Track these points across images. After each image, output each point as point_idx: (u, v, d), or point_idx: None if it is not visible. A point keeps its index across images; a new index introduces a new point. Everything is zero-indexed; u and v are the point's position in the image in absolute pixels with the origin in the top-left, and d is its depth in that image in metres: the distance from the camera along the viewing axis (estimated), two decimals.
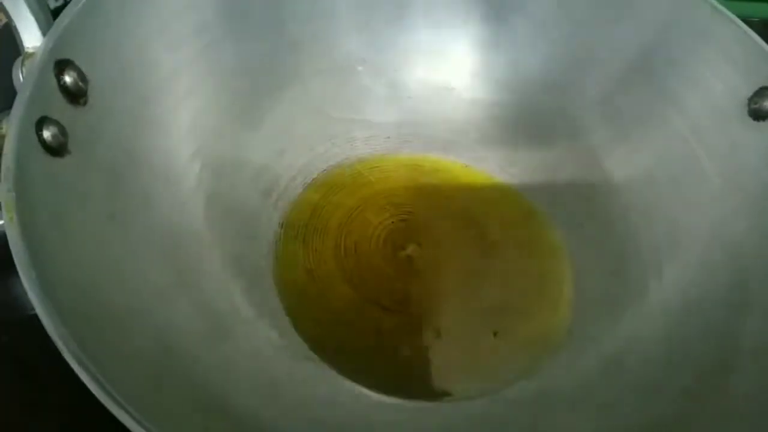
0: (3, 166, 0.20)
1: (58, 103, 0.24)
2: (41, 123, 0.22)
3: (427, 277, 0.32)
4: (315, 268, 0.31)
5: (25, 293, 0.19)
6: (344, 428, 0.26)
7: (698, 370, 0.26)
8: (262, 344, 0.27)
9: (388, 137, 0.36)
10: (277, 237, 0.32)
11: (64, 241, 0.22)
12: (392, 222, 0.33)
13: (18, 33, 0.24)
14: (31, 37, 0.24)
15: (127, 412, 0.17)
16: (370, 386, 0.27)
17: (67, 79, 0.24)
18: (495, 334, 0.30)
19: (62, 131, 0.23)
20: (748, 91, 0.29)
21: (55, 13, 0.26)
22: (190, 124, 0.30)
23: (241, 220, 0.31)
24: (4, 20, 0.25)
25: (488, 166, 0.36)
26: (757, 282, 0.27)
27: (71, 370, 0.18)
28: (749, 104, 0.29)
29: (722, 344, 0.26)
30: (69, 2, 0.25)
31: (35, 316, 0.18)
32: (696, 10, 0.31)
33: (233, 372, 0.25)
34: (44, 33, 0.24)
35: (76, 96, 0.24)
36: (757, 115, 0.29)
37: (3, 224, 0.20)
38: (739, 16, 0.47)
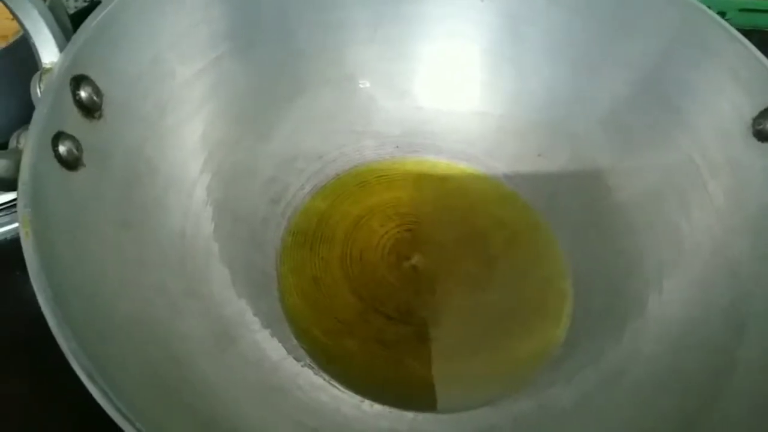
0: (20, 182, 0.21)
1: (74, 118, 0.24)
2: (57, 138, 0.23)
3: (431, 288, 0.32)
4: (321, 276, 0.32)
5: None
6: None
7: (694, 386, 0.27)
8: (267, 352, 0.28)
9: (397, 146, 0.36)
10: (284, 244, 0.32)
11: (78, 252, 0.23)
12: (398, 231, 0.34)
13: (36, 49, 0.25)
14: (48, 53, 0.25)
15: (134, 425, 0.18)
16: (372, 396, 0.28)
17: (83, 94, 0.25)
18: (496, 346, 0.31)
19: (77, 145, 0.24)
20: (753, 112, 0.29)
21: (77, 16, 0.26)
22: (201, 135, 0.31)
23: (250, 228, 0.32)
24: (21, 32, 0.25)
25: (496, 178, 0.36)
26: (755, 301, 0.27)
27: None
28: (754, 125, 0.29)
29: (718, 362, 0.27)
30: (90, 5, 0.26)
31: None
32: (704, 29, 0.31)
33: (237, 380, 0.26)
34: (61, 49, 0.25)
35: (90, 110, 0.25)
36: (761, 135, 0.29)
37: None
38: (755, 28, 0.47)
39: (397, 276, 0.32)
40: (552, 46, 0.34)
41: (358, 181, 0.35)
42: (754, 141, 0.29)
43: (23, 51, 0.26)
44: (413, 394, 0.29)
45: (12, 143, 0.26)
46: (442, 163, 0.36)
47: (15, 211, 0.33)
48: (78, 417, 0.28)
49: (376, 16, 0.35)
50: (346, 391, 0.28)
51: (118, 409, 0.18)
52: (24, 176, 0.21)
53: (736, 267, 0.29)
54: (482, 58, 0.36)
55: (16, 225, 0.33)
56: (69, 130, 0.24)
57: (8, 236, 0.34)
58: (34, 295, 0.19)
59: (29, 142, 0.22)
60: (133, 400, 0.20)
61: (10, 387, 0.29)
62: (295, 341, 0.29)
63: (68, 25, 0.32)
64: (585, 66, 0.34)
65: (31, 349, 0.29)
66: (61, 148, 0.23)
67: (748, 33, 0.31)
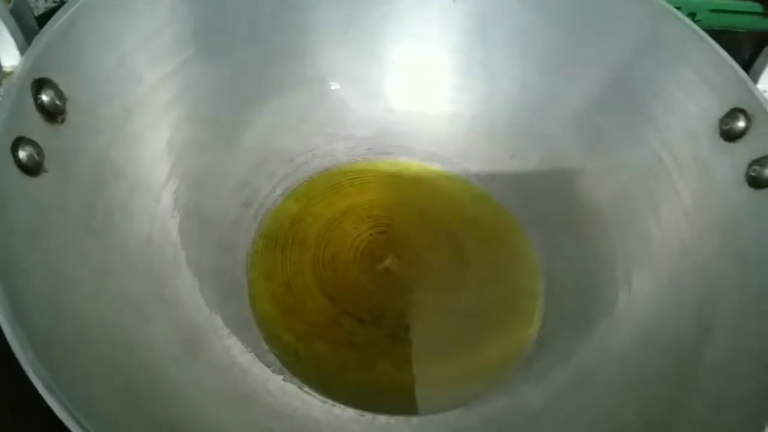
0: None
1: (35, 123, 0.24)
2: (17, 143, 0.23)
3: (404, 290, 0.32)
4: (292, 279, 0.32)
5: None
6: None
7: (662, 385, 0.27)
8: (237, 358, 0.28)
9: (369, 148, 0.36)
10: (255, 248, 0.32)
11: (41, 259, 0.23)
12: (371, 234, 0.34)
13: None
14: (8, 56, 0.24)
15: None
16: (344, 400, 0.28)
17: (45, 97, 0.24)
18: (469, 347, 0.31)
19: (38, 151, 0.24)
20: (719, 112, 0.29)
21: (47, 16, 0.26)
22: (169, 139, 0.30)
23: (220, 232, 0.32)
24: None
25: (468, 179, 0.36)
26: (723, 301, 0.27)
27: None
28: (720, 125, 0.29)
29: (686, 361, 0.27)
30: (60, 5, 0.25)
31: None
32: (673, 31, 0.31)
33: (207, 387, 0.26)
34: (22, 52, 0.24)
35: (53, 114, 0.25)
36: (727, 136, 0.29)
37: None
38: (726, 28, 0.47)
39: (369, 278, 0.32)
40: (522, 47, 0.34)
41: (331, 184, 0.35)
42: (721, 141, 0.29)
43: None
44: (387, 398, 0.29)
45: None
46: (414, 164, 0.36)
47: None
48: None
49: (347, 18, 0.34)
50: (318, 395, 0.28)
51: (78, 421, 0.18)
52: None
53: (705, 268, 0.29)
54: (453, 59, 0.36)
55: None
56: (30, 135, 0.23)
57: None
58: None
59: None
60: (99, 409, 0.20)
61: None
62: (265, 346, 0.29)
63: (34, 27, 0.31)
64: (555, 67, 0.34)
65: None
66: (22, 154, 0.23)
67: (718, 34, 0.31)
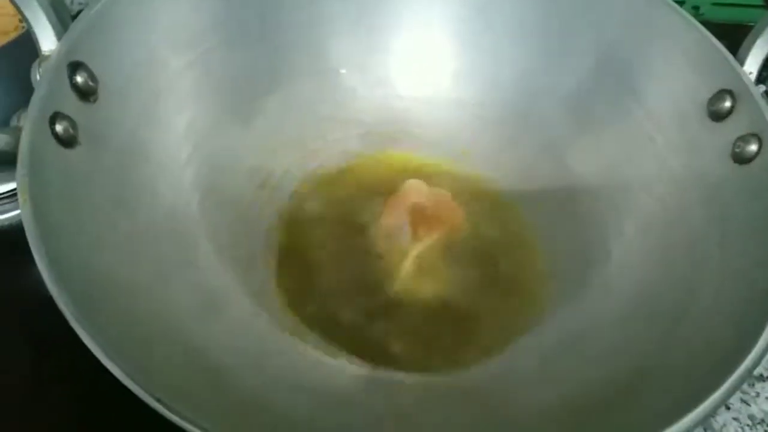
0: (19, 154, 0.23)
1: (70, 100, 0.26)
2: (54, 118, 0.25)
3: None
4: (307, 254, 0.34)
5: None
6: (323, 395, 0.28)
7: (646, 349, 0.28)
8: (252, 319, 0.30)
9: (378, 134, 0.38)
10: (271, 225, 0.34)
11: (73, 221, 0.25)
12: (381, 214, 0.36)
13: (36, 38, 0.27)
14: (47, 41, 0.27)
15: (117, 364, 0.20)
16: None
17: (79, 79, 0.27)
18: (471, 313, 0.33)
19: (73, 125, 0.26)
20: (707, 93, 0.31)
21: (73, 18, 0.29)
22: (190, 122, 0.33)
23: (237, 210, 0.34)
24: (25, 28, 0.28)
25: (473, 163, 0.38)
26: (707, 268, 0.29)
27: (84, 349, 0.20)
28: (708, 106, 0.31)
29: (666, 330, 0.28)
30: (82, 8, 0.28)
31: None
32: (660, 14, 0.33)
33: (224, 343, 0.28)
34: (59, 38, 0.27)
35: (86, 94, 0.27)
36: (715, 115, 0.31)
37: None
38: (729, 22, 0.48)
39: (382, 255, 0.34)
40: (522, 34, 0.37)
41: (341, 167, 0.37)
42: (708, 121, 0.31)
43: (27, 44, 0.28)
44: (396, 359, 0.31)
45: (13, 122, 0.28)
46: (422, 148, 0.38)
47: None
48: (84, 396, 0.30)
49: (357, 9, 0.37)
50: (325, 354, 0.30)
51: (106, 352, 0.20)
52: (23, 149, 0.23)
53: (692, 238, 0.30)
54: (455, 46, 0.38)
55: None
56: (66, 111, 0.26)
57: (14, 221, 0.36)
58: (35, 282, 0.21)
59: (28, 120, 0.24)
60: (123, 350, 0.22)
61: (16, 365, 0.31)
62: (282, 312, 0.31)
63: (68, 19, 0.34)
64: (553, 52, 0.36)
65: (35, 326, 0.31)
66: (58, 127, 0.25)
67: (721, 27, 0.33)
